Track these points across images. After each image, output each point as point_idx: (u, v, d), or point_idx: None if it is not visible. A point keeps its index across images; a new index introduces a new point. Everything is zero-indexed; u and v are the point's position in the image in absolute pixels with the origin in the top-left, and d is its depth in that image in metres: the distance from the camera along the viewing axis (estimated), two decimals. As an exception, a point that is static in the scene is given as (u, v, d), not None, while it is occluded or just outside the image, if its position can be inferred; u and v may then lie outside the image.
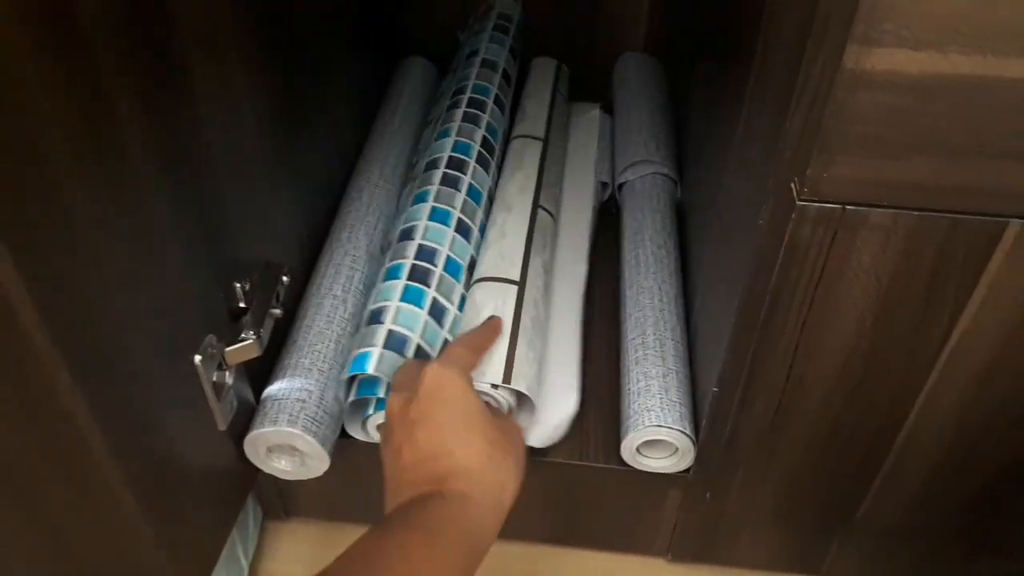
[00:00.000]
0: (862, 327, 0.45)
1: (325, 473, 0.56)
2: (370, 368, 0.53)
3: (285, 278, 0.55)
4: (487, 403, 0.51)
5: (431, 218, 0.62)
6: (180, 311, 0.45)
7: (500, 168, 0.71)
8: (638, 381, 0.57)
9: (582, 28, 0.91)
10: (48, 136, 0.33)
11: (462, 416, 0.46)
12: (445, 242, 0.61)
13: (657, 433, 0.54)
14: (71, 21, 0.33)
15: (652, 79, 0.86)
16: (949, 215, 0.39)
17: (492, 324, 0.56)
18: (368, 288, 0.63)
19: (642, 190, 0.73)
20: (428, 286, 0.58)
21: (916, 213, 0.39)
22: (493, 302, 0.57)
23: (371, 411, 0.56)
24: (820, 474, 0.55)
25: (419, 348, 0.55)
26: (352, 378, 0.55)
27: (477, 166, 0.67)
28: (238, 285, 0.51)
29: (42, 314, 0.33)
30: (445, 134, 0.69)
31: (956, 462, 0.53)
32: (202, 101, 0.45)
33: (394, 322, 0.55)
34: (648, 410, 0.55)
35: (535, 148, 0.72)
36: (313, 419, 0.54)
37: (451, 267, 0.60)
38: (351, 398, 0.55)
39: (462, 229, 0.62)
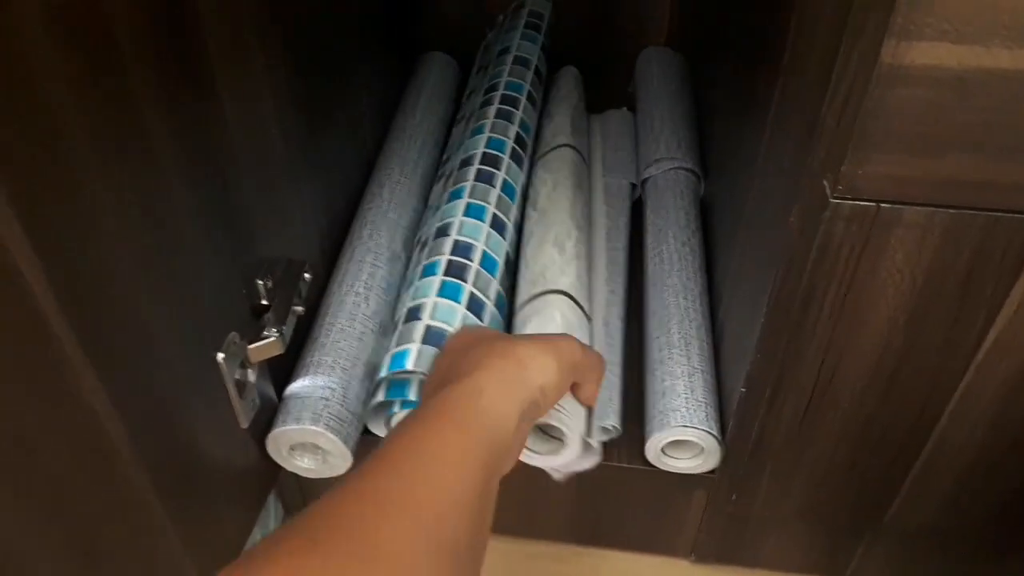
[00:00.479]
0: (895, 326, 0.44)
1: (347, 471, 0.56)
2: (409, 364, 0.52)
3: (307, 275, 0.54)
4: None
5: (466, 214, 0.61)
6: (203, 309, 0.44)
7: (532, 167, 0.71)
8: (663, 380, 0.56)
9: (604, 22, 0.91)
10: (73, 133, 0.32)
11: (500, 340, 0.43)
12: (481, 237, 0.60)
13: (683, 433, 0.53)
14: (97, 17, 0.33)
15: (675, 73, 0.85)
16: (987, 213, 0.38)
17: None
18: (390, 286, 0.62)
19: (665, 186, 0.72)
20: (465, 281, 0.57)
21: (953, 211, 0.38)
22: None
23: (396, 409, 0.55)
24: (849, 475, 0.54)
25: None
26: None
27: (511, 162, 0.67)
28: (260, 282, 0.50)
29: (67, 314, 0.33)
30: (479, 131, 0.69)
31: (988, 464, 0.52)
32: (225, 98, 0.44)
33: (432, 318, 0.55)
34: (674, 410, 0.54)
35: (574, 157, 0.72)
36: (336, 417, 0.53)
37: (487, 262, 0.59)
38: (378, 398, 0.55)
39: (497, 225, 0.62)
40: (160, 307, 0.40)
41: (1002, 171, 0.36)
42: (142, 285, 0.38)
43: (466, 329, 0.48)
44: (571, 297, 0.58)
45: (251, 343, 0.48)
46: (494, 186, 0.64)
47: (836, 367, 0.47)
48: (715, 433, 0.54)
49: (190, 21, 0.41)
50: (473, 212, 0.62)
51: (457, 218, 0.61)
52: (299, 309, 0.52)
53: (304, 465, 0.56)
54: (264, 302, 0.51)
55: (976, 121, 0.35)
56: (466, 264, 0.58)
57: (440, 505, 0.32)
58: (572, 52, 0.87)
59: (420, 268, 0.59)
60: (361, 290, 0.60)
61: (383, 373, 0.54)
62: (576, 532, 0.67)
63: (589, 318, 0.59)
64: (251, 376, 0.50)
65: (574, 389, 0.47)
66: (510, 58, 0.77)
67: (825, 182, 0.39)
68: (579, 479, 0.60)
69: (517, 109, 0.71)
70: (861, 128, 0.36)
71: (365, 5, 0.72)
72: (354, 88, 0.69)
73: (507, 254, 0.62)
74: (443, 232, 0.61)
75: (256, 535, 0.62)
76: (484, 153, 0.67)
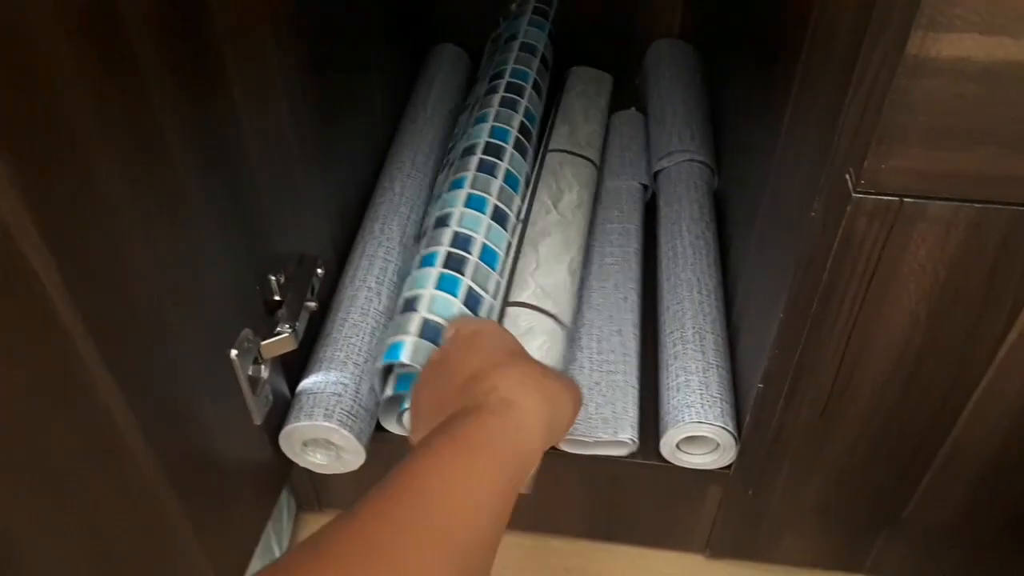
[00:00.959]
0: (916, 322, 0.43)
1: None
2: (404, 357, 0.52)
3: (320, 270, 0.54)
4: None
5: (467, 205, 0.61)
6: (216, 305, 0.44)
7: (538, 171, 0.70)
8: (677, 376, 0.56)
9: (615, 14, 0.90)
10: (87, 131, 0.32)
11: (509, 344, 0.43)
12: (481, 230, 0.60)
13: (698, 429, 0.53)
14: (111, 12, 0.33)
15: (687, 65, 0.84)
16: (1013, 207, 0.38)
17: None
18: (402, 279, 0.62)
19: (678, 178, 0.71)
20: (463, 274, 0.57)
21: (978, 205, 0.38)
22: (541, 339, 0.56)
23: (407, 404, 0.55)
24: (867, 472, 0.54)
25: None
26: (388, 370, 0.55)
27: (514, 152, 0.66)
28: (273, 278, 0.50)
29: (81, 311, 0.33)
30: (482, 119, 0.68)
31: (1009, 461, 0.51)
32: (238, 92, 0.44)
33: (429, 310, 0.54)
34: (688, 406, 0.54)
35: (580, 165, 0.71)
36: (349, 413, 0.53)
37: (487, 255, 0.59)
38: (388, 392, 0.54)
39: (498, 216, 0.61)
40: (174, 305, 0.40)
41: (1029, 165, 0.36)
42: (156, 283, 0.38)
43: (472, 326, 0.46)
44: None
45: (264, 339, 0.48)
46: (496, 176, 0.63)
47: (856, 363, 0.46)
48: (731, 429, 0.53)
49: (203, 15, 0.40)
50: (474, 203, 0.61)
51: (457, 208, 0.61)
52: (312, 305, 0.52)
53: (317, 461, 0.55)
54: (277, 298, 0.50)
55: (1004, 114, 0.34)
56: (465, 257, 0.58)
57: (469, 541, 0.33)
58: (583, 44, 0.86)
59: (419, 258, 0.59)
60: (373, 284, 0.60)
61: (378, 364, 0.54)
62: (590, 527, 0.67)
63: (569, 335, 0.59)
64: (264, 372, 0.49)
65: None
66: (516, 44, 0.76)
67: (847, 176, 0.38)
68: (593, 474, 0.60)
69: (522, 98, 0.71)
70: (885, 121, 0.35)
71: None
72: (366, 81, 0.69)
73: (509, 244, 0.61)
74: (442, 222, 0.60)
75: (269, 530, 0.62)
76: (487, 143, 0.66)
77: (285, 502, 0.67)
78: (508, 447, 0.37)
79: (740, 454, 0.54)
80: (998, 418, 0.48)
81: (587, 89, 0.80)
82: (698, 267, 0.63)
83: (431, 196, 0.70)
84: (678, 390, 0.55)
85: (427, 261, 0.58)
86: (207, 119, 0.41)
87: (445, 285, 0.56)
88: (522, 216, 0.64)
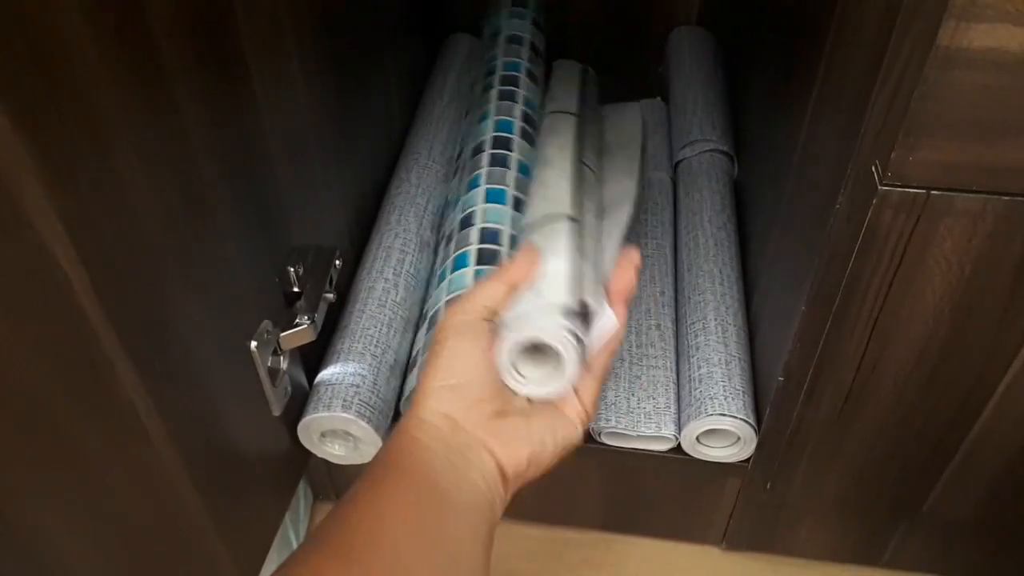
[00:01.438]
0: (941, 316, 0.43)
1: (377, 457, 0.55)
2: None
3: (338, 262, 0.54)
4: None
5: (487, 200, 0.61)
6: (236, 297, 0.44)
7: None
8: (699, 367, 0.56)
9: (633, 3, 0.89)
10: (111, 124, 0.32)
11: (466, 346, 0.40)
12: (505, 221, 0.59)
13: (720, 422, 0.53)
14: (137, 9, 0.32)
15: (707, 54, 0.83)
16: (1043, 201, 0.37)
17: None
18: (418, 271, 0.62)
19: (699, 169, 0.71)
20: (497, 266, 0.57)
21: (1007, 198, 0.37)
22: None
23: None
24: (888, 465, 0.53)
25: None
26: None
27: (522, 141, 0.66)
28: (292, 270, 0.50)
29: (104, 305, 0.33)
30: (484, 117, 0.68)
31: (1031, 457, 0.51)
32: (257, 84, 0.44)
33: None
34: (711, 398, 0.53)
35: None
36: (367, 404, 0.53)
37: (516, 245, 0.58)
38: (411, 384, 0.54)
39: (519, 206, 0.61)
40: (195, 297, 0.40)
41: (1061, 157, 0.35)
42: (178, 276, 0.38)
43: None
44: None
45: (283, 331, 0.48)
46: (510, 167, 0.63)
47: (878, 357, 0.46)
48: (752, 422, 0.53)
49: (225, 8, 0.40)
50: (493, 197, 0.61)
51: (479, 206, 0.61)
52: (330, 296, 0.52)
53: (335, 452, 0.56)
54: (296, 289, 0.50)
55: (1036, 106, 0.33)
56: (496, 250, 0.57)
57: None
58: (601, 34, 0.85)
59: (451, 261, 0.59)
60: (390, 276, 0.60)
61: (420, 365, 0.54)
62: (607, 519, 0.67)
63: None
64: (283, 363, 0.49)
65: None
66: (502, 39, 0.76)
67: (874, 168, 0.37)
68: (610, 467, 0.60)
69: (519, 87, 0.70)
70: (913, 113, 0.34)
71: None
72: (382, 72, 0.69)
73: None
74: (467, 223, 0.60)
75: (286, 521, 0.62)
76: (495, 137, 0.65)
77: (302, 492, 0.67)
78: (479, 508, 0.37)
79: (759, 447, 0.54)
80: (1022, 413, 0.48)
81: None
82: (719, 258, 0.62)
83: (447, 189, 0.70)
84: (700, 381, 0.55)
85: (460, 262, 0.57)
86: (228, 112, 0.41)
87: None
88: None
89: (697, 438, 0.55)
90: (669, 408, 0.56)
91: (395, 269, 0.60)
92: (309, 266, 0.51)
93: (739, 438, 0.54)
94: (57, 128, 0.29)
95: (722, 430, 0.54)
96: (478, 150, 0.65)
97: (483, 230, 0.59)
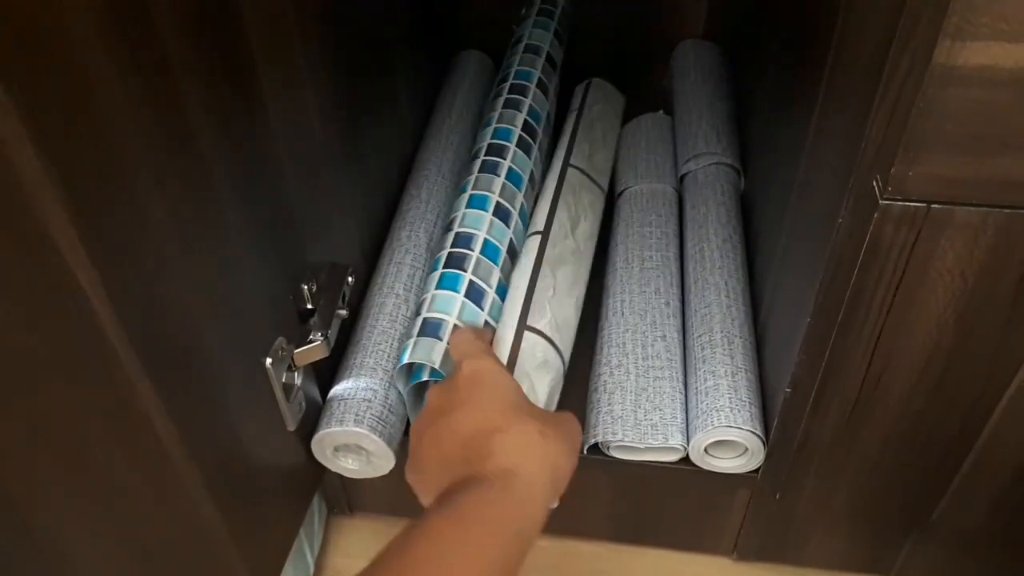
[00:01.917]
0: (944, 327, 0.43)
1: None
2: (406, 358, 0.54)
3: (350, 278, 0.55)
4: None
5: (469, 206, 0.62)
6: (251, 314, 0.45)
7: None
8: (706, 380, 0.56)
9: (639, 15, 0.90)
10: (129, 148, 0.33)
11: (507, 396, 0.44)
12: (483, 226, 0.60)
13: (727, 434, 0.53)
14: (149, 28, 0.34)
15: (713, 66, 0.84)
16: (1042, 212, 0.38)
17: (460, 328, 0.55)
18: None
19: (705, 181, 0.71)
20: (464, 270, 0.58)
21: (1008, 211, 0.38)
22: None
23: (424, 404, 0.55)
24: (896, 475, 0.54)
25: (456, 328, 0.55)
26: (406, 373, 0.56)
27: (517, 150, 0.66)
28: (305, 287, 0.51)
29: (121, 320, 0.34)
30: (487, 124, 0.70)
31: (1040, 464, 0.51)
32: (270, 104, 0.45)
33: (429, 310, 0.56)
34: (717, 410, 0.54)
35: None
36: (379, 418, 0.54)
37: (488, 250, 0.59)
38: (405, 388, 0.55)
39: (500, 213, 0.62)
40: (211, 315, 0.41)
41: (1058, 170, 0.36)
42: (195, 294, 0.39)
43: (472, 365, 0.47)
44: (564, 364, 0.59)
45: (297, 347, 0.49)
46: (498, 175, 0.64)
47: (884, 368, 0.46)
48: (759, 433, 0.53)
49: (235, 27, 0.41)
50: (476, 203, 0.62)
51: (461, 211, 0.62)
52: (343, 312, 0.53)
53: (348, 466, 0.56)
54: (309, 306, 0.51)
55: (1032, 121, 0.34)
56: (466, 254, 0.59)
57: None
58: (607, 47, 0.86)
59: (431, 265, 0.61)
60: (401, 291, 0.61)
61: (394, 371, 0.56)
62: (616, 530, 0.67)
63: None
64: (297, 379, 0.50)
65: None
66: (521, 47, 0.77)
67: (875, 183, 0.38)
68: (619, 479, 0.61)
69: (526, 97, 0.71)
70: (912, 128, 0.35)
71: (404, 6, 0.72)
72: (392, 89, 0.70)
73: (511, 242, 0.62)
74: (448, 228, 0.62)
75: (301, 535, 0.63)
76: (490, 144, 0.67)
77: (316, 507, 0.68)
78: (509, 518, 0.38)
79: (767, 458, 0.55)
80: (1029, 422, 0.48)
81: (607, 110, 0.80)
82: (725, 270, 0.63)
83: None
84: (707, 394, 0.56)
85: (434, 266, 0.60)
86: (241, 132, 0.42)
87: (446, 283, 0.57)
88: (547, 226, 0.64)
89: (705, 449, 0.55)
90: (676, 419, 0.56)
91: (406, 284, 0.61)
92: (322, 283, 0.52)
93: (747, 449, 0.54)
94: (79, 153, 0.30)
95: (730, 441, 0.54)
96: (474, 156, 0.67)
97: (458, 235, 0.60)
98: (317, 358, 0.50)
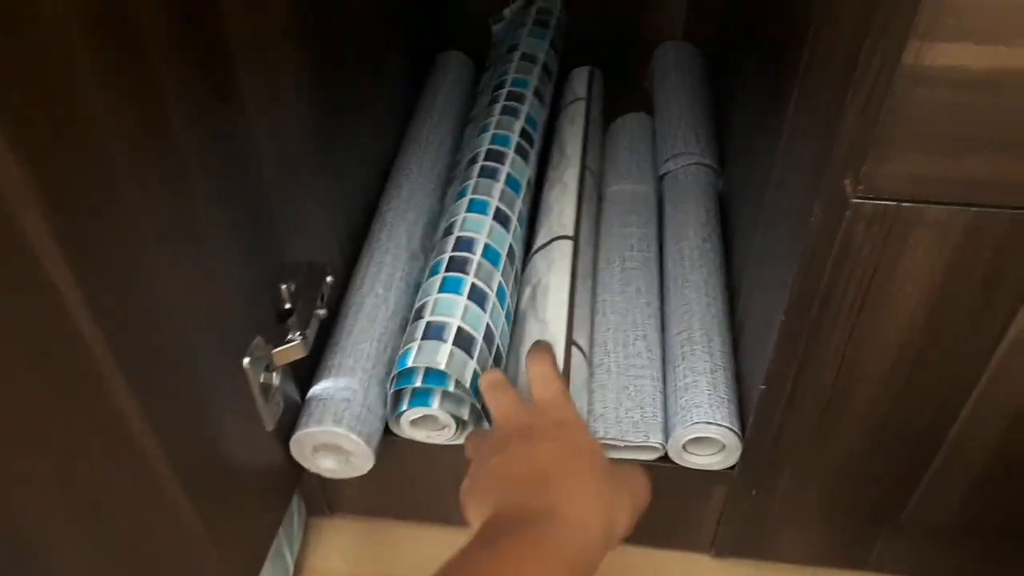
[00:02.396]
0: (915, 324, 0.44)
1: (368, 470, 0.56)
2: (410, 362, 0.53)
3: (329, 278, 0.55)
4: None
5: (469, 210, 0.62)
6: (229, 314, 0.45)
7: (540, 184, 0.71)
8: (685, 376, 0.57)
9: (619, 17, 0.90)
10: (107, 145, 0.33)
11: (585, 448, 0.45)
12: (483, 231, 0.61)
13: (706, 430, 0.54)
14: (126, 23, 0.33)
15: (692, 68, 0.85)
16: (1009, 211, 0.38)
17: (543, 346, 0.56)
18: (408, 285, 0.63)
19: (685, 181, 0.72)
20: (466, 273, 0.58)
21: (975, 209, 0.38)
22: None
23: (405, 406, 0.55)
24: (869, 470, 0.54)
25: (460, 330, 0.55)
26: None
27: (516, 156, 0.67)
28: (284, 286, 0.51)
29: (98, 320, 0.34)
30: (484, 129, 0.70)
31: (1009, 459, 0.52)
32: (250, 104, 0.45)
33: (432, 314, 0.56)
34: (696, 406, 0.54)
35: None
36: (358, 418, 0.54)
37: (489, 254, 0.60)
38: (391, 389, 0.55)
39: (500, 218, 0.62)
40: (188, 315, 0.41)
41: (1024, 169, 0.36)
42: (172, 294, 0.39)
43: (559, 413, 0.48)
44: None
45: (275, 347, 0.49)
46: (498, 180, 0.65)
47: (856, 364, 0.47)
48: (736, 430, 0.54)
49: (216, 25, 0.41)
50: (476, 207, 0.62)
51: (461, 215, 0.62)
52: (321, 312, 0.53)
53: (327, 466, 0.56)
54: (288, 306, 0.51)
55: (999, 121, 0.35)
56: (468, 258, 0.59)
57: None
58: (588, 48, 0.87)
59: (428, 270, 0.61)
60: (380, 291, 0.61)
61: (393, 372, 0.55)
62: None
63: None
64: (275, 379, 0.50)
65: None
66: (517, 55, 0.78)
67: (846, 181, 0.39)
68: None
69: (523, 105, 0.72)
70: (882, 128, 0.36)
71: (385, 7, 0.72)
72: (374, 89, 0.70)
73: (511, 247, 0.62)
74: (448, 231, 0.62)
75: (280, 535, 0.63)
76: (489, 150, 0.67)
77: (296, 507, 0.68)
78: (569, 563, 0.38)
79: (744, 454, 0.55)
80: (996, 418, 0.49)
81: (600, 105, 0.82)
82: (705, 269, 0.64)
83: (439, 205, 0.71)
84: (686, 390, 0.56)
85: (434, 270, 0.59)
86: (220, 133, 0.42)
87: (449, 287, 0.57)
88: (576, 232, 0.65)
89: (683, 446, 0.56)
90: (656, 417, 0.57)
91: (385, 284, 0.61)
92: (301, 282, 0.52)
93: (724, 446, 0.55)
94: (53, 152, 0.30)
95: (708, 438, 0.55)
96: (472, 161, 0.67)
97: (459, 239, 0.61)
98: (295, 358, 0.50)
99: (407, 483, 0.65)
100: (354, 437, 0.53)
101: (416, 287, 0.63)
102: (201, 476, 0.44)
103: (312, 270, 0.54)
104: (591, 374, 0.60)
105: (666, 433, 0.56)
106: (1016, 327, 0.43)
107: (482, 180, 0.65)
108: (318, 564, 0.68)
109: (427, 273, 0.60)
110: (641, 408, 0.57)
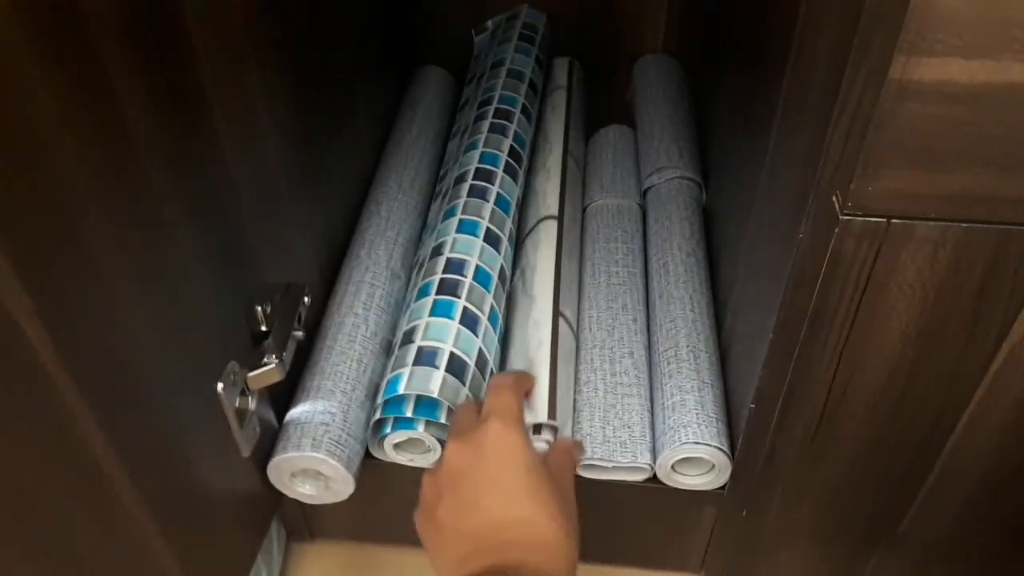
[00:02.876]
0: (907, 341, 0.43)
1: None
2: (401, 389, 0.52)
3: (307, 298, 0.53)
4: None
5: (459, 231, 0.61)
6: (201, 338, 0.44)
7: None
8: (672, 395, 0.55)
9: (599, 29, 0.90)
10: (68, 166, 0.32)
11: (534, 483, 0.43)
12: (474, 252, 0.59)
13: (695, 451, 0.53)
14: (83, 46, 0.32)
15: (673, 80, 0.84)
16: (1000, 226, 0.38)
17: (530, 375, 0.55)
18: (389, 305, 0.61)
19: (668, 196, 0.71)
20: (458, 297, 0.57)
21: (965, 225, 0.38)
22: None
23: (389, 429, 0.54)
24: (861, 489, 0.53)
25: (452, 356, 0.53)
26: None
27: (505, 175, 0.66)
28: (259, 308, 0.50)
29: (58, 345, 0.32)
30: (472, 146, 0.68)
31: (1003, 476, 0.51)
32: (221, 122, 0.44)
33: (424, 338, 0.54)
34: (684, 426, 0.53)
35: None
36: (337, 442, 0.52)
37: (481, 276, 0.58)
38: (376, 416, 0.54)
39: (491, 239, 0.61)
40: (158, 340, 0.39)
41: (1015, 184, 0.36)
42: (139, 318, 0.37)
43: (455, 446, 0.45)
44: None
45: (251, 371, 0.48)
46: (488, 200, 0.64)
47: (847, 383, 0.46)
48: (726, 449, 0.53)
49: (181, 43, 0.40)
50: (466, 228, 0.61)
51: (451, 236, 0.61)
52: (299, 334, 0.51)
53: (306, 491, 0.55)
54: (264, 328, 0.50)
55: (988, 135, 0.34)
56: (459, 280, 0.58)
57: None
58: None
59: (416, 290, 0.59)
60: (360, 311, 0.60)
61: (380, 399, 0.54)
62: (584, 550, 0.66)
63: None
64: (251, 404, 0.49)
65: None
66: (504, 71, 0.77)
67: (834, 198, 0.38)
68: (586, 498, 0.60)
69: (511, 123, 0.71)
70: (870, 145, 0.35)
71: (361, 22, 0.71)
72: (351, 106, 0.69)
73: (502, 268, 0.61)
74: (437, 251, 0.60)
75: (259, 562, 0.61)
76: (477, 168, 0.66)
77: (275, 532, 0.66)
78: None
79: (734, 475, 0.54)
80: (991, 433, 0.48)
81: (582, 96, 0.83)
82: (690, 285, 0.63)
83: (419, 222, 0.70)
84: (673, 409, 0.55)
85: (423, 291, 0.58)
86: (191, 157, 0.41)
87: (440, 310, 0.56)
88: (561, 212, 0.67)
89: (672, 467, 0.55)
90: (645, 437, 0.56)
91: (365, 304, 0.60)
92: (277, 304, 0.51)
93: (714, 466, 0.54)
94: (10, 177, 0.29)
95: (697, 458, 0.54)
96: (460, 180, 0.66)
97: (449, 260, 0.59)
98: (272, 382, 0.49)
99: (390, 507, 0.63)
100: (333, 462, 0.52)
101: (396, 306, 0.62)
102: (172, 505, 0.43)
103: (289, 291, 0.52)
104: (577, 388, 0.59)
105: (654, 453, 0.55)
106: (1009, 342, 0.43)
107: (471, 200, 0.63)
108: (299, 591, 0.67)
109: (415, 294, 0.59)
110: (629, 428, 0.56)
